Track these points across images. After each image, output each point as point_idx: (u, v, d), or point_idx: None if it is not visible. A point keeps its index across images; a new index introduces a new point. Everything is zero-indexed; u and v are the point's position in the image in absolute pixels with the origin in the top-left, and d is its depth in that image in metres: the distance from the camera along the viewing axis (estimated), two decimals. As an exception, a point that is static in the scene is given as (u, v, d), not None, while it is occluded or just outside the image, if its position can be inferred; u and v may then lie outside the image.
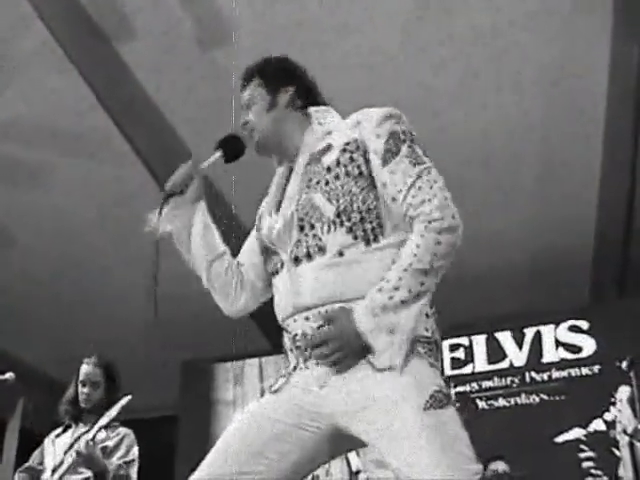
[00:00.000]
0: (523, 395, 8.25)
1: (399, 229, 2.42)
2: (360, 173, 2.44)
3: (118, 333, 9.29)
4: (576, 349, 8.24)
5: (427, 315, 2.40)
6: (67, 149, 7.14)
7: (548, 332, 8.40)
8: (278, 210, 2.60)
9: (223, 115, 4.54)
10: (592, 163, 7.40)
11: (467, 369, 8.52)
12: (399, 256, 2.34)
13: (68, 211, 7.95)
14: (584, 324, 8.29)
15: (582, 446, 7.70)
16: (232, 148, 2.78)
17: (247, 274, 2.77)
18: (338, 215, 2.41)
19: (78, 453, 4.64)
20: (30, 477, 5.00)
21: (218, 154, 2.75)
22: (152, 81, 6.62)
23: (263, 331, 8.93)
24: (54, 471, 4.81)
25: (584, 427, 7.76)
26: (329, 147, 2.53)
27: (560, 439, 7.81)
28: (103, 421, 4.71)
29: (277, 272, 2.56)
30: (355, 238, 2.39)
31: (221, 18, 6.19)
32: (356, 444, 2.47)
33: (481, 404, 8.33)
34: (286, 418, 2.43)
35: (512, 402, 8.25)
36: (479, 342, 8.56)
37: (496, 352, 8.48)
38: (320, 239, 2.42)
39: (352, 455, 7.93)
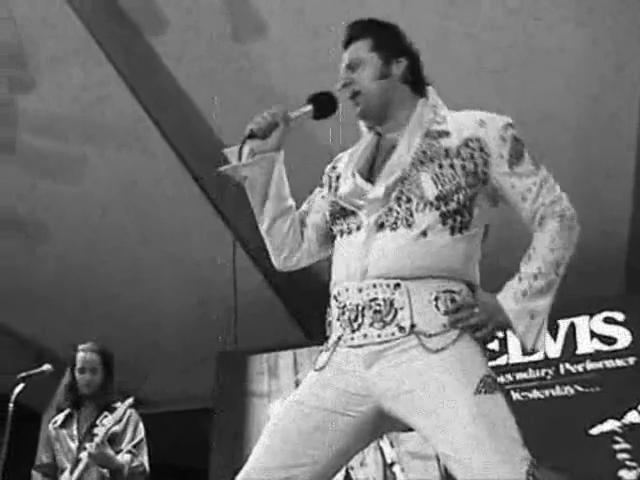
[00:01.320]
0: (557, 387, 8.20)
1: (481, 226, 2.56)
2: (475, 172, 2.51)
3: (153, 325, 9.34)
4: (611, 341, 8.17)
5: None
6: (100, 142, 7.20)
7: (582, 323, 8.34)
8: (371, 173, 2.62)
9: (251, 103, 4.57)
10: (628, 147, 7.35)
11: (501, 360, 8.49)
12: (530, 249, 2.49)
13: (100, 202, 8.00)
14: (619, 315, 8.22)
15: (617, 438, 7.64)
16: (324, 105, 2.73)
17: (306, 232, 2.79)
18: (437, 199, 2.46)
19: (90, 455, 4.72)
20: (46, 475, 5.08)
21: (309, 107, 2.71)
22: (182, 71, 6.65)
23: (297, 323, 8.96)
24: (72, 472, 4.88)
25: (619, 419, 7.70)
26: (447, 133, 2.56)
27: (595, 431, 7.76)
28: (110, 423, 4.81)
29: (350, 232, 2.56)
30: (444, 224, 2.46)
31: (253, 9, 6.21)
32: (398, 426, 2.50)
33: (515, 396, 8.29)
34: (330, 405, 2.46)
35: (546, 394, 8.20)
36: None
37: (530, 344, 8.44)
38: (412, 214, 2.46)
39: (386, 446, 7.93)
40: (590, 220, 7.94)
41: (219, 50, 6.43)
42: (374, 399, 2.43)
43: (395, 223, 2.46)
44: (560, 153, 7.37)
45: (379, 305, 2.41)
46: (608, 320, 8.25)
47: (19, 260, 8.77)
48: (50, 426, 5.19)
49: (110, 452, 4.82)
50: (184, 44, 6.42)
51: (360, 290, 2.45)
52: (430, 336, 2.36)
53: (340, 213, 2.62)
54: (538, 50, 6.46)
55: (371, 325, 2.42)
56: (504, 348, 8.51)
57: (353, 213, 2.57)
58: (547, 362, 8.33)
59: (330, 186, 2.76)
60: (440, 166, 2.49)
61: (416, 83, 2.72)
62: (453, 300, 2.43)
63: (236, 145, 2.63)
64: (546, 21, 6.22)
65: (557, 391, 8.20)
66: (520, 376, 8.36)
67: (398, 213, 2.47)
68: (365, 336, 2.42)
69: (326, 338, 2.59)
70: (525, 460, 2.28)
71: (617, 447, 7.62)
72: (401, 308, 2.40)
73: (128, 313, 9.30)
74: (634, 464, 7.52)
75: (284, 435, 2.47)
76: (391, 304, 2.40)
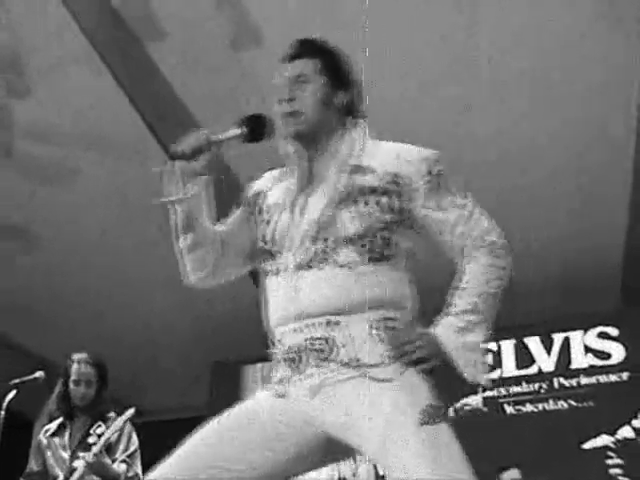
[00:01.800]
0: (551, 401, 8.20)
1: (404, 255, 2.53)
2: (394, 208, 2.48)
3: (148, 334, 9.33)
4: (605, 355, 8.18)
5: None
6: (97, 150, 7.19)
7: (577, 338, 8.34)
8: (293, 209, 2.57)
9: (249, 112, 4.57)
10: (623, 167, 7.36)
11: (495, 374, 8.48)
12: (463, 283, 2.47)
13: (96, 211, 7.99)
14: (613, 331, 8.22)
15: (610, 453, 7.64)
16: (257, 130, 2.61)
17: (227, 254, 2.70)
18: (359, 237, 2.45)
19: (88, 464, 4.71)
20: None
21: (238, 131, 2.59)
22: (180, 80, 6.65)
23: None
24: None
25: (612, 434, 7.70)
26: (371, 169, 2.52)
27: (588, 446, 7.76)
28: (109, 433, 4.80)
29: (278, 273, 2.54)
30: (368, 259, 2.44)
31: (251, 19, 6.23)
32: (350, 453, 2.49)
33: (509, 409, 8.29)
34: (281, 417, 2.44)
35: (540, 408, 8.20)
36: (507, 347, 8.52)
37: (524, 358, 8.43)
38: (334, 251, 2.44)
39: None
40: (585, 236, 8.03)
41: (216, 59, 6.44)
42: (320, 427, 2.41)
43: (320, 262, 2.44)
44: (555, 170, 7.39)
45: (320, 344, 2.40)
46: (602, 335, 8.26)
47: (14, 268, 8.76)
48: (42, 434, 5.17)
49: (107, 461, 4.81)
50: (182, 52, 6.43)
51: (300, 331, 2.44)
52: (372, 366, 2.36)
53: (269, 250, 2.59)
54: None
55: (314, 365, 2.41)
56: (498, 362, 8.51)
57: (280, 252, 2.54)
58: (541, 376, 8.33)
59: (253, 211, 2.72)
60: (361, 204, 2.47)
61: (353, 116, 2.67)
62: (393, 328, 2.42)
63: (161, 167, 2.56)
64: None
65: (551, 405, 8.19)
66: (514, 390, 8.36)
67: (323, 252, 2.45)
68: (311, 376, 2.41)
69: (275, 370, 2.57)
70: None
71: (610, 462, 7.61)
72: (342, 345, 2.39)
73: (122, 321, 9.30)
74: (627, 479, 7.52)
75: (224, 436, 2.48)
76: (333, 342, 2.39)
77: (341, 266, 2.42)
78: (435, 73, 6.56)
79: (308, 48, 2.67)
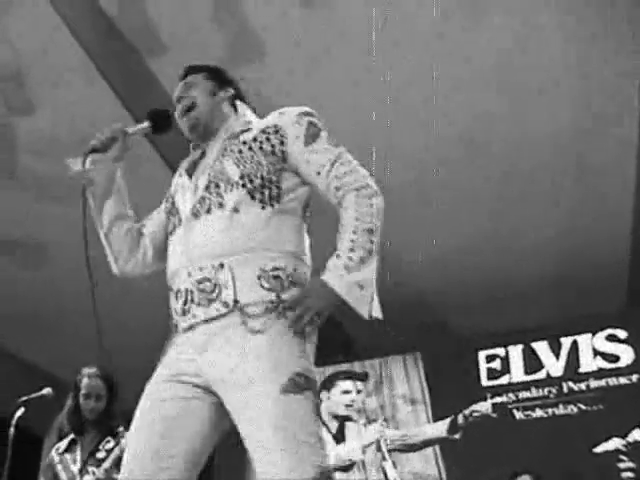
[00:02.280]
0: (561, 405, 8.19)
1: (296, 201, 2.66)
2: (273, 152, 2.65)
3: (156, 345, 9.32)
4: (614, 358, 8.16)
5: (305, 284, 2.54)
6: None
7: (585, 341, 8.33)
8: (191, 176, 2.76)
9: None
10: (627, 168, 7.35)
11: (504, 380, 8.47)
12: (340, 226, 2.54)
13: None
14: (621, 333, 8.21)
15: (621, 456, 7.63)
16: (162, 122, 2.92)
17: (144, 242, 2.91)
18: (242, 177, 2.60)
19: None
20: None
21: (146, 124, 2.91)
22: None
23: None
24: None
25: (623, 437, 7.69)
26: (248, 130, 2.75)
27: (599, 449, 7.74)
28: (118, 449, 4.83)
29: (174, 229, 2.71)
30: (252, 199, 2.58)
31: (251, 34, 6.23)
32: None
33: (518, 415, 8.28)
34: (177, 392, 2.52)
35: (550, 413, 8.18)
36: (515, 352, 8.51)
37: (533, 362, 8.43)
38: (222, 196, 2.60)
39: (389, 467, 7.91)
40: (592, 237, 8.01)
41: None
42: (209, 385, 2.49)
43: (209, 208, 2.60)
44: (563, 170, 7.38)
45: (205, 285, 2.51)
46: (611, 338, 8.24)
47: (20, 284, 8.77)
48: (53, 452, 5.16)
49: (117, 477, 4.81)
50: (181, 64, 6.42)
51: (189, 275, 2.56)
52: (252, 316, 2.44)
53: (171, 212, 2.78)
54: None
55: (198, 305, 2.51)
56: (506, 367, 8.49)
57: (177, 211, 2.73)
58: (550, 381, 8.32)
59: (166, 198, 2.92)
60: (240, 152, 2.66)
61: (236, 104, 2.96)
62: (277, 277, 2.50)
63: (78, 157, 2.79)
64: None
65: (560, 410, 8.18)
66: (523, 395, 8.34)
67: (210, 199, 2.61)
68: (194, 316, 2.52)
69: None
70: (313, 468, 2.31)
71: (622, 465, 7.60)
72: (225, 286, 2.48)
73: (131, 335, 9.29)
74: (639, 482, 7.49)
75: (148, 440, 2.51)
76: (216, 283, 2.49)
77: (227, 209, 2.57)
78: (447, 82, 6.55)
79: (193, 68, 2.99)
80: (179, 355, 2.55)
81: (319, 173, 2.62)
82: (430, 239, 7.96)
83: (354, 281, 2.42)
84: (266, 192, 2.59)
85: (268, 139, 2.67)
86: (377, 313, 2.48)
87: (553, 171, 7.45)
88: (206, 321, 2.49)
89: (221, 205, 2.57)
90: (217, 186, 2.62)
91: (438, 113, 6.83)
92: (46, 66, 6.52)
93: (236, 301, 2.46)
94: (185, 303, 2.55)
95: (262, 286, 2.47)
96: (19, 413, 5.15)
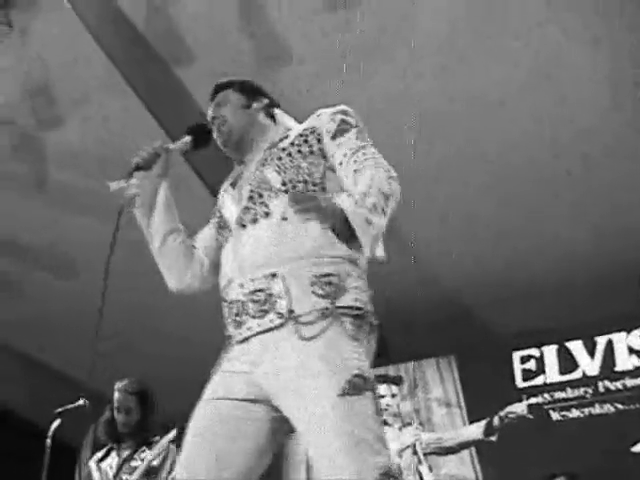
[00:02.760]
0: (597, 405, 8.14)
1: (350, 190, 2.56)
2: (311, 152, 2.66)
3: (187, 356, 9.34)
4: (649, 356, 8.12)
5: (359, 288, 2.51)
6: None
7: (620, 340, 8.28)
8: (234, 188, 2.78)
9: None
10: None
11: (539, 380, 8.44)
12: (356, 185, 2.49)
13: (128, 238, 8.00)
14: (657, 330, 8.17)
15: (660, 455, 7.58)
16: (201, 137, 2.92)
17: (198, 255, 2.88)
18: (284, 184, 2.60)
19: None
20: None
21: (188, 139, 2.90)
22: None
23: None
24: None
25: (661, 435, 7.64)
26: (287, 136, 2.76)
27: (637, 448, 7.69)
28: (151, 456, 4.83)
29: (226, 242, 2.70)
30: None
31: (278, 40, 6.24)
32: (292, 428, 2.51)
33: (554, 415, 8.24)
34: (233, 412, 2.51)
35: (586, 412, 8.14)
36: (550, 353, 8.47)
37: (568, 362, 8.39)
38: (267, 205, 2.59)
39: (425, 470, 7.88)
40: (623, 236, 7.95)
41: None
42: (265, 398, 2.49)
43: (255, 219, 2.59)
44: (594, 169, 7.34)
45: (258, 296, 2.49)
46: (646, 335, 8.19)
47: (52, 294, 8.82)
48: (92, 462, 5.19)
49: None
50: (211, 75, 6.43)
51: (241, 286, 2.54)
52: (307, 324, 2.41)
53: (221, 227, 2.77)
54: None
55: (252, 317, 2.49)
56: (541, 368, 8.45)
57: (227, 225, 2.73)
58: (586, 380, 8.27)
59: (214, 211, 2.90)
60: (280, 158, 2.66)
61: (272, 113, 2.95)
62: (330, 283, 2.46)
63: (123, 179, 2.79)
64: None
65: (597, 409, 8.13)
66: (558, 395, 8.31)
67: (255, 209, 2.61)
68: (249, 329, 2.50)
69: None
70: (379, 469, 2.29)
71: (661, 464, 7.54)
72: (279, 296, 2.46)
73: (164, 345, 9.32)
74: (678, 481, 7.43)
75: (206, 451, 2.50)
76: (270, 294, 2.47)
77: (275, 217, 2.55)
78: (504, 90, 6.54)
79: (224, 84, 2.98)
80: (234, 369, 2.54)
81: (341, 163, 2.61)
82: (464, 238, 7.93)
83: (363, 215, 2.31)
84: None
85: (306, 141, 2.68)
86: (380, 253, 2.42)
87: (589, 175, 7.40)
88: (261, 332, 2.47)
89: (267, 214, 2.56)
90: (260, 195, 2.61)
91: (464, 119, 6.82)
92: (75, 80, 6.56)
93: (291, 311, 2.43)
94: (238, 315, 2.54)
95: (315, 293, 2.44)
96: (55, 424, 5.16)
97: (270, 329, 2.45)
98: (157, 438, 5.03)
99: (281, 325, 2.44)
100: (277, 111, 2.94)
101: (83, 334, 9.09)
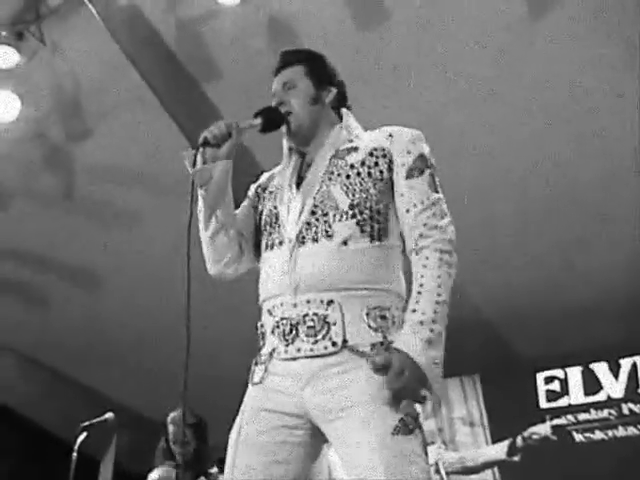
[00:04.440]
0: (621, 427, 8.10)
1: (400, 236, 2.59)
2: (381, 178, 2.59)
3: (211, 375, 9.36)
4: (674, 378, 8.08)
5: None
6: (157, 191, 7.26)
7: (644, 362, 8.26)
8: (290, 189, 2.70)
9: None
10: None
11: (563, 402, 8.42)
12: (419, 281, 2.46)
13: (155, 252, 8.04)
14: (681, 353, 8.13)
15: (684, 479, 7.52)
16: (272, 120, 2.77)
17: (243, 244, 2.80)
18: (351, 207, 2.54)
19: None
20: None
21: (258, 120, 2.76)
22: (237, 118, 6.72)
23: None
24: None
25: (686, 459, 7.59)
26: (355, 149, 2.67)
27: (661, 471, 7.64)
28: None
29: (273, 247, 2.64)
30: (362, 232, 2.52)
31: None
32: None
33: (578, 437, 8.20)
34: (272, 430, 2.50)
35: (610, 435, 8.10)
36: (574, 374, 8.44)
37: (592, 384, 8.36)
38: (330, 226, 2.53)
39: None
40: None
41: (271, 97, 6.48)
42: (308, 419, 2.48)
43: (316, 236, 2.53)
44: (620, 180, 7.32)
45: (312, 321, 2.46)
46: (670, 357, 8.16)
47: (74, 308, 8.85)
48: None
49: None
50: (238, 90, 6.48)
51: (295, 305, 2.50)
52: (361, 354, 2.40)
53: (270, 225, 2.70)
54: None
55: (304, 340, 2.46)
56: (565, 389, 8.42)
57: (279, 227, 2.65)
58: (610, 402, 8.24)
59: (258, 198, 2.87)
60: (347, 177, 2.59)
61: (339, 109, 2.85)
62: (384, 317, 2.46)
63: (191, 150, 2.70)
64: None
65: (621, 432, 8.09)
66: (582, 417, 8.28)
67: (317, 227, 2.55)
68: (299, 350, 2.47)
69: (258, 350, 2.64)
70: None
71: (685, 488, 7.49)
72: (334, 324, 2.44)
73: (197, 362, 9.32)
74: None
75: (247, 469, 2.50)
76: (324, 319, 2.45)
77: (336, 240, 2.51)
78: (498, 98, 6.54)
79: (291, 57, 2.86)
80: (278, 387, 2.52)
81: (408, 211, 2.55)
82: (490, 260, 7.92)
83: (433, 357, 2.36)
84: (375, 226, 2.54)
85: (377, 163, 2.61)
86: (444, 397, 2.50)
87: (616, 195, 7.38)
88: (312, 357, 2.45)
89: (329, 235, 2.52)
90: (325, 214, 2.55)
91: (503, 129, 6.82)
92: (105, 94, 6.62)
93: (345, 341, 2.42)
94: (290, 333, 2.50)
95: (370, 325, 2.44)
96: (81, 438, 5.19)
97: (323, 356, 2.44)
98: (214, 470, 5.05)
99: (335, 353, 2.43)
100: (344, 111, 2.85)
101: (109, 349, 9.18)
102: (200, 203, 2.75)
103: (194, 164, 2.68)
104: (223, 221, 2.73)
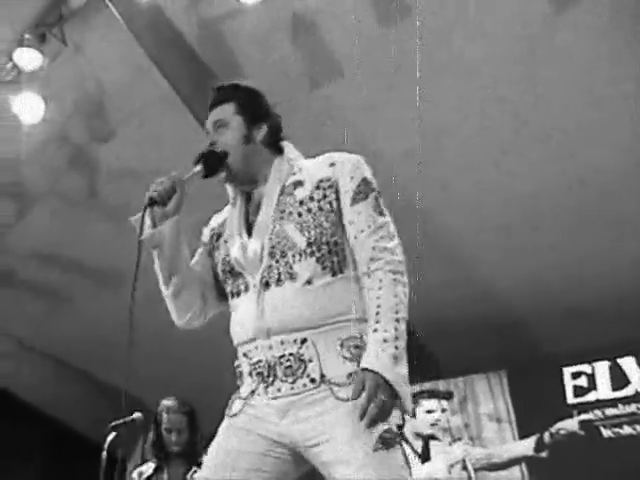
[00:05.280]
0: (649, 422, 8.06)
1: (356, 264, 2.62)
2: (331, 210, 2.63)
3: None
4: (702, 372, 8.03)
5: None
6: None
7: (672, 356, 8.20)
8: (249, 235, 2.71)
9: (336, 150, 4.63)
10: None
11: (590, 397, 8.36)
12: (376, 302, 2.50)
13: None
14: None
15: None
16: (211, 164, 2.77)
17: (204, 293, 2.85)
18: (309, 245, 2.58)
19: None
20: None
21: (199, 168, 2.75)
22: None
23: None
24: None
25: None
26: (300, 182, 2.69)
27: (689, 466, 7.59)
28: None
29: (239, 294, 2.69)
30: (324, 269, 2.58)
31: (330, 55, 6.26)
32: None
33: (606, 432, 8.15)
34: (254, 448, 2.58)
35: (638, 429, 8.04)
36: (602, 369, 8.39)
37: (619, 379, 8.29)
38: (291, 267, 2.58)
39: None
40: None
41: (297, 97, 6.47)
42: (291, 446, 2.56)
43: (279, 279, 2.58)
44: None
45: (289, 360, 2.53)
46: (698, 349, 8.10)
47: (101, 308, 8.88)
48: (135, 476, 5.20)
49: None
50: (263, 90, 6.47)
51: (270, 347, 2.57)
52: (339, 385, 2.48)
53: (230, 273, 2.73)
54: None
55: (284, 380, 2.54)
56: (592, 384, 8.38)
57: (240, 274, 2.69)
58: (638, 397, 8.18)
59: (213, 246, 2.88)
60: (299, 215, 2.62)
61: (275, 143, 2.85)
62: (357, 347, 2.52)
63: (138, 214, 2.70)
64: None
65: (649, 427, 8.04)
66: (610, 412, 8.22)
67: (278, 269, 2.59)
68: (279, 390, 2.54)
69: (237, 386, 2.71)
70: None
71: None
72: (310, 361, 2.52)
73: (215, 359, 9.33)
74: None
75: None
76: (300, 359, 2.52)
77: (300, 281, 2.56)
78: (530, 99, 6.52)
79: (223, 95, 2.87)
80: (259, 415, 2.60)
81: (356, 237, 2.60)
82: (517, 256, 7.91)
83: (402, 375, 2.44)
84: (335, 259, 2.60)
85: (325, 195, 2.64)
86: (413, 412, 2.57)
87: (632, 194, 7.35)
88: (293, 395, 2.52)
89: (292, 276, 2.56)
90: (283, 255, 2.59)
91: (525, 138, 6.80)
92: (128, 95, 6.64)
93: (322, 375, 2.50)
94: (267, 376, 2.57)
95: (345, 357, 2.52)
96: (110, 438, 5.18)
97: (303, 392, 2.51)
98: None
99: (314, 389, 2.50)
100: (284, 143, 2.86)
101: (134, 348, 9.19)
102: (156, 264, 2.80)
103: (141, 226, 2.71)
104: (183, 280, 2.77)
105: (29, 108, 6.63)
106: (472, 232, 7.72)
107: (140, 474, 5.17)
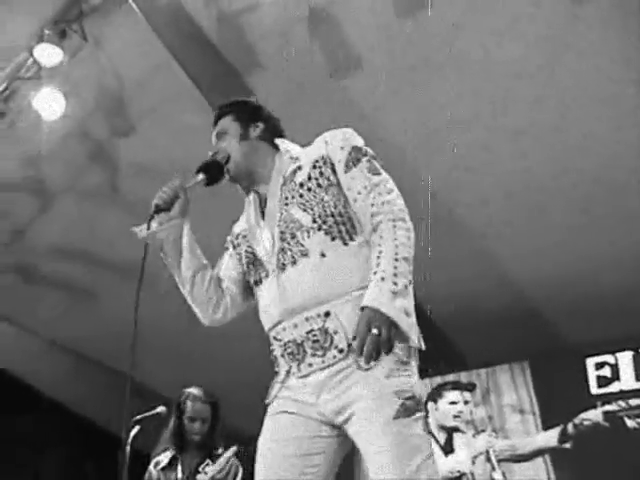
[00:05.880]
0: (673, 412, 8.02)
1: (365, 229, 2.71)
2: (330, 184, 2.75)
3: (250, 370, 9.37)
4: None
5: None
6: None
7: (696, 345, 8.16)
8: (258, 226, 2.88)
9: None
10: None
11: (613, 387, 8.32)
12: (377, 249, 2.59)
13: (208, 248, 8.06)
14: None
15: None
16: (213, 173, 2.97)
17: (228, 287, 3.00)
18: (314, 221, 2.70)
19: None
20: None
21: (201, 176, 2.96)
22: (283, 113, 6.71)
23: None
24: None
25: None
26: (299, 167, 2.83)
27: None
28: (214, 471, 4.90)
29: (261, 281, 2.82)
30: (333, 239, 2.68)
31: (349, 48, 6.25)
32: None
33: (630, 423, 8.11)
34: (304, 432, 2.67)
35: (663, 420, 8.02)
36: (625, 359, 8.35)
37: (643, 369, 8.27)
38: (302, 245, 2.69)
39: (499, 477, 7.83)
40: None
41: (317, 88, 6.47)
42: (332, 423, 2.64)
43: (293, 259, 2.69)
44: None
45: (315, 335, 2.62)
46: None
47: (123, 304, 8.87)
48: (152, 466, 5.22)
49: None
50: (282, 85, 6.48)
51: (296, 326, 2.67)
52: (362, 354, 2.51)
53: (252, 265, 2.87)
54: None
55: (313, 355, 2.63)
56: (615, 375, 8.34)
57: (261, 263, 2.82)
58: (662, 387, 8.15)
59: (235, 245, 3.03)
60: (301, 196, 2.75)
61: (272, 140, 3.04)
62: None
63: (143, 224, 2.89)
64: None
65: (673, 417, 8.01)
66: (634, 402, 8.18)
67: (291, 250, 2.70)
68: (310, 365, 2.64)
69: (275, 373, 2.80)
70: None
71: None
72: (335, 332, 2.59)
73: (231, 353, 9.36)
74: None
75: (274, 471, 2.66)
76: (326, 332, 2.60)
77: (313, 256, 2.67)
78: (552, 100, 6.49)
79: (221, 111, 3.10)
80: (296, 397, 2.68)
81: (355, 200, 2.71)
82: (541, 246, 7.88)
83: (402, 307, 2.49)
84: (342, 228, 2.69)
85: (322, 173, 2.77)
86: (421, 343, 2.60)
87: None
88: (324, 368, 2.60)
89: (304, 253, 2.68)
90: (293, 236, 2.71)
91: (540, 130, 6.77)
92: (148, 90, 6.65)
93: (349, 345, 2.57)
94: (297, 354, 2.66)
95: None
96: (134, 432, 5.20)
97: (333, 364, 2.59)
98: (220, 451, 5.08)
99: (342, 359, 2.58)
100: (279, 140, 3.03)
101: (155, 342, 9.22)
102: (168, 265, 2.99)
103: (149, 229, 2.90)
104: (193, 271, 2.95)
105: (50, 104, 6.66)
106: (494, 225, 7.70)
107: (157, 464, 5.19)
